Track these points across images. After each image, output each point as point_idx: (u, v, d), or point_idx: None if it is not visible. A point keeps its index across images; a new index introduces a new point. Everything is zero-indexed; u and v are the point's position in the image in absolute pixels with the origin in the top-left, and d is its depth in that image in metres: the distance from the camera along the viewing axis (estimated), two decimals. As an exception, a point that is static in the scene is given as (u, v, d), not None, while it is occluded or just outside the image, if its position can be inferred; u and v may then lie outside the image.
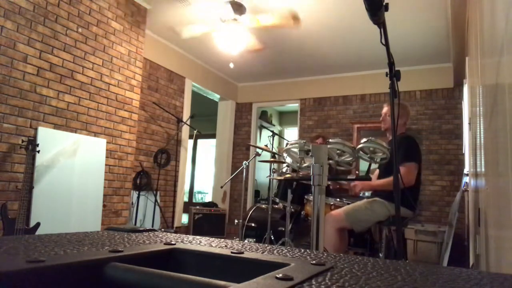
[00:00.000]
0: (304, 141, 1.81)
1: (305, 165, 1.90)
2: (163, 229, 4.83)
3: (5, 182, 2.83)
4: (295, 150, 1.83)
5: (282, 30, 4.49)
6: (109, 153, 3.67)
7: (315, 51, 5.26)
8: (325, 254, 0.58)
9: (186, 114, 5.54)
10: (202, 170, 9.68)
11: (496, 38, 1.26)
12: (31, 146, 2.81)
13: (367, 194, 3.33)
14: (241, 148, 6.86)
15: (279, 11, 3.76)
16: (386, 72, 1.65)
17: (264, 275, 0.40)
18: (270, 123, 7.88)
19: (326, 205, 3.07)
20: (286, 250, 0.61)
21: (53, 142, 3.13)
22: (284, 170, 4.55)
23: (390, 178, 2.66)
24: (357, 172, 5.41)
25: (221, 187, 5.42)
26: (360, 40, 4.76)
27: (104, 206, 3.59)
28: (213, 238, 0.71)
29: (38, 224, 2.82)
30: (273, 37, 4.73)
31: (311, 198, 3.43)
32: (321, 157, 1.16)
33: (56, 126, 3.19)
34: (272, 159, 3.91)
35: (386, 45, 1.51)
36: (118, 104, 3.79)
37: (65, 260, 0.44)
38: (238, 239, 4.37)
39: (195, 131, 5.35)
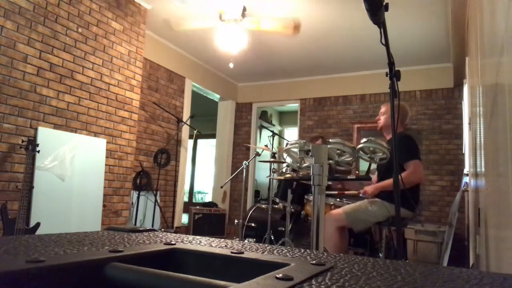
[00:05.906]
0: (304, 141, 1.81)
1: (305, 165, 1.90)
2: (163, 229, 4.83)
3: (5, 182, 2.83)
4: (295, 150, 1.83)
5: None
6: (109, 153, 3.67)
7: (315, 51, 5.26)
8: (325, 254, 0.58)
9: (186, 114, 5.54)
10: (202, 170, 9.68)
11: (496, 38, 1.26)
12: (31, 146, 2.81)
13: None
14: (241, 148, 6.85)
15: (282, 18, 3.71)
16: (386, 72, 1.65)
17: (264, 275, 0.40)
18: (270, 123, 7.88)
19: (326, 205, 3.07)
20: (286, 250, 0.61)
21: (53, 142, 3.13)
22: (284, 170, 4.55)
23: (402, 175, 2.65)
24: (357, 172, 5.41)
25: (221, 187, 5.42)
26: (360, 40, 4.76)
27: (104, 206, 3.59)
28: (213, 238, 0.71)
29: (38, 224, 2.82)
30: (276, 34, 4.73)
31: (311, 198, 3.43)
32: (321, 157, 1.16)
33: (56, 126, 3.19)
34: (272, 159, 3.91)
35: (386, 45, 1.51)
36: (118, 104, 3.79)
37: (65, 260, 0.44)
38: (238, 239, 4.37)
39: (195, 131, 5.35)
